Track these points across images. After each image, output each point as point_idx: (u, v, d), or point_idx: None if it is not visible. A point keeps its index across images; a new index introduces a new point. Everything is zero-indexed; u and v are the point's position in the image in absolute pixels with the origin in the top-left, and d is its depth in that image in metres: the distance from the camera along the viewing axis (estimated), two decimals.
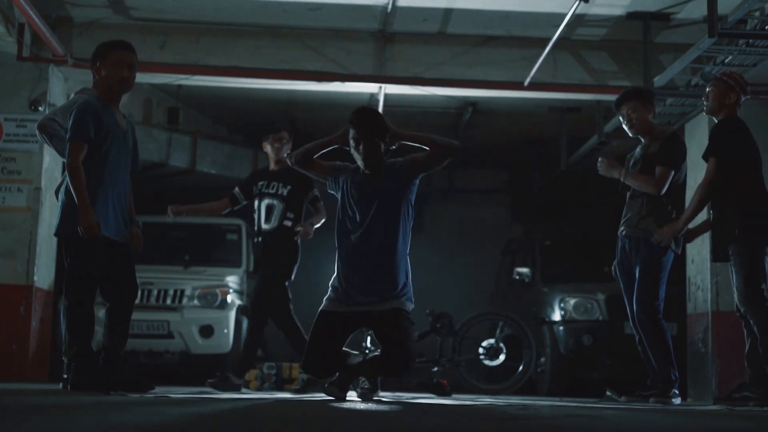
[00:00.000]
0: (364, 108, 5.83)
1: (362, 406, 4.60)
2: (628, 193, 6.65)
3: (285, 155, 7.50)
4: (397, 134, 5.72)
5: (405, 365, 5.41)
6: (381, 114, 5.76)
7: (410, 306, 5.64)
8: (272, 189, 7.71)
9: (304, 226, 7.61)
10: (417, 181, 5.71)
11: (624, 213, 6.64)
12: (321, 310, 5.64)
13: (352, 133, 5.61)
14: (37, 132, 6.03)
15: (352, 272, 5.59)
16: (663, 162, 6.39)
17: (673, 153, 6.42)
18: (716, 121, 6.36)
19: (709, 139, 6.26)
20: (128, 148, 5.71)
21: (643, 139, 6.64)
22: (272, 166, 7.85)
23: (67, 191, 5.53)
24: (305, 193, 7.77)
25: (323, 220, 7.79)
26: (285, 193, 7.70)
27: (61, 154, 5.90)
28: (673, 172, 6.38)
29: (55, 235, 5.70)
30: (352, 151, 5.64)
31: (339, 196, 5.75)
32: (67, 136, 5.51)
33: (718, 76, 6.42)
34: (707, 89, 6.40)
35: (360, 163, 5.64)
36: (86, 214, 5.34)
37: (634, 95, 6.65)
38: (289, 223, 7.67)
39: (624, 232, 6.58)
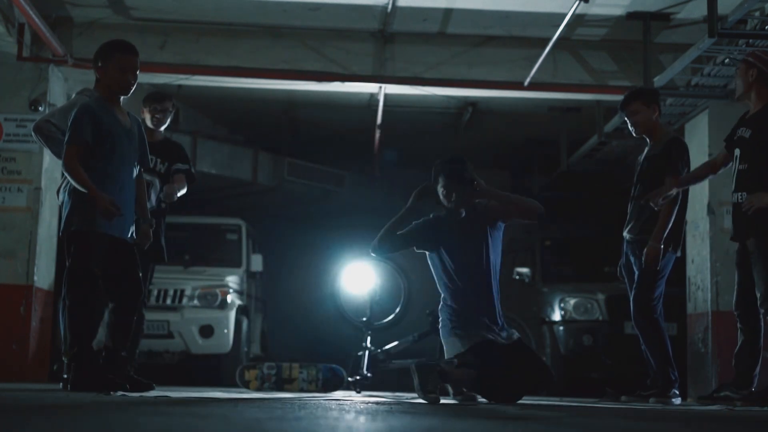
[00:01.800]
0: (453, 159, 5.87)
1: (363, 405, 4.60)
2: (632, 194, 6.63)
3: (164, 128, 6.96)
4: (486, 191, 5.78)
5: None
6: (467, 162, 5.83)
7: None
8: (150, 164, 6.70)
9: (168, 188, 6.78)
10: (502, 225, 5.80)
11: (628, 215, 6.61)
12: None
13: (442, 182, 5.70)
14: (33, 134, 6.01)
15: (469, 312, 5.63)
16: (668, 170, 6.36)
17: (676, 158, 6.39)
18: (752, 108, 6.14)
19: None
20: (134, 146, 5.68)
21: (648, 139, 6.63)
22: (147, 137, 6.77)
23: (69, 191, 5.52)
24: (178, 164, 7.01)
25: (184, 191, 7.01)
26: (163, 170, 6.92)
27: (58, 156, 5.89)
28: (681, 178, 6.36)
29: (60, 235, 5.67)
30: (442, 199, 5.73)
31: (432, 252, 5.76)
32: (65, 139, 5.49)
33: (743, 57, 6.32)
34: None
35: (448, 206, 5.73)
36: (99, 199, 5.32)
37: (638, 96, 6.62)
38: (163, 205, 6.92)
39: (627, 238, 6.57)
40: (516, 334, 5.72)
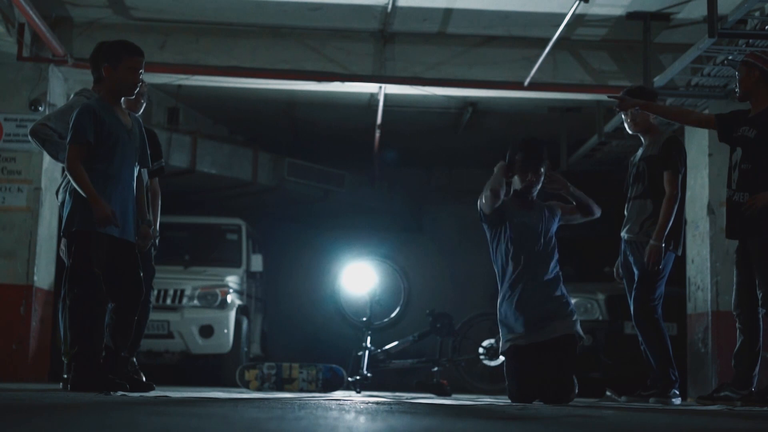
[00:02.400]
0: (531, 139, 6.16)
1: (363, 405, 4.61)
2: (629, 195, 6.62)
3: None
4: (561, 181, 6.06)
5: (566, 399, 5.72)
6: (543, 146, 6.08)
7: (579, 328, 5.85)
8: (149, 164, 6.12)
9: (148, 228, 6.11)
10: (559, 221, 6.01)
11: (626, 214, 6.60)
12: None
13: (520, 161, 5.89)
14: (29, 137, 5.99)
15: (526, 302, 5.77)
16: (667, 168, 6.36)
17: (675, 156, 6.39)
18: (755, 108, 6.10)
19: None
20: (134, 146, 5.67)
21: (643, 139, 6.62)
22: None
23: (70, 191, 5.52)
24: (156, 159, 6.59)
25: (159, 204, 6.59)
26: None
27: (55, 158, 5.88)
28: (680, 176, 6.36)
29: (63, 235, 5.66)
30: (516, 178, 5.91)
31: (494, 231, 5.91)
32: (68, 139, 5.49)
33: (743, 58, 6.30)
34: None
35: (518, 187, 5.90)
36: (98, 206, 5.32)
37: (638, 94, 6.61)
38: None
39: (626, 238, 6.56)
40: (566, 327, 5.76)
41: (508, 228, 5.85)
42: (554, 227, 5.96)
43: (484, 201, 5.88)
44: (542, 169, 5.89)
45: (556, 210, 6.02)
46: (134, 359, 6.49)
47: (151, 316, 10.05)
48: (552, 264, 5.86)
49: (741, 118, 6.17)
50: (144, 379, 6.50)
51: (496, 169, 5.92)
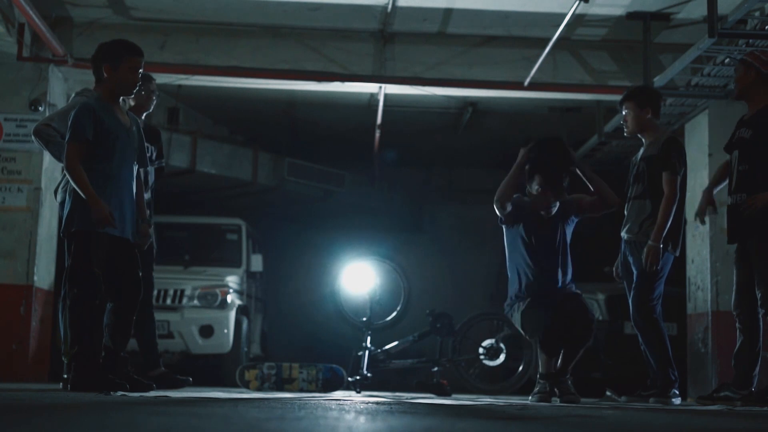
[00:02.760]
0: (556, 153, 6.24)
1: (363, 405, 4.61)
2: (629, 195, 6.62)
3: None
4: (578, 163, 6.24)
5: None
6: (564, 143, 6.28)
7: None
8: (149, 163, 6.19)
9: (148, 228, 6.05)
10: (575, 220, 6.25)
11: (626, 214, 6.60)
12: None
13: (541, 176, 6.06)
14: (32, 137, 6.00)
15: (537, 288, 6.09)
16: (666, 168, 6.35)
17: (674, 157, 6.37)
18: (751, 108, 6.11)
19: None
20: (133, 146, 5.68)
21: (643, 139, 6.62)
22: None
23: (69, 190, 5.53)
24: (158, 158, 6.62)
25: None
26: (154, 158, 6.53)
27: (58, 159, 5.89)
28: (679, 177, 6.34)
29: (62, 235, 5.67)
30: (536, 185, 6.09)
31: (511, 229, 6.14)
32: (66, 138, 5.50)
33: (741, 57, 6.29)
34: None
35: (536, 189, 6.09)
36: (97, 206, 5.33)
37: (630, 97, 6.62)
38: (150, 195, 6.44)
39: (625, 238, 6.55)
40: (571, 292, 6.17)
41: (523, 236, 6.06)
42: (570, 231, 6.13)
43: (495, 208, 6.07)
44: (561, 187, 6.07)
45: (573, 210, 6.17)
46: (162, 367, 6.94)
47: None
48: (567, 276, 6.10)
49: (738, 125, 6.19)
50: (190, 379, 6.76)
51: (515, 165, 6.09)
